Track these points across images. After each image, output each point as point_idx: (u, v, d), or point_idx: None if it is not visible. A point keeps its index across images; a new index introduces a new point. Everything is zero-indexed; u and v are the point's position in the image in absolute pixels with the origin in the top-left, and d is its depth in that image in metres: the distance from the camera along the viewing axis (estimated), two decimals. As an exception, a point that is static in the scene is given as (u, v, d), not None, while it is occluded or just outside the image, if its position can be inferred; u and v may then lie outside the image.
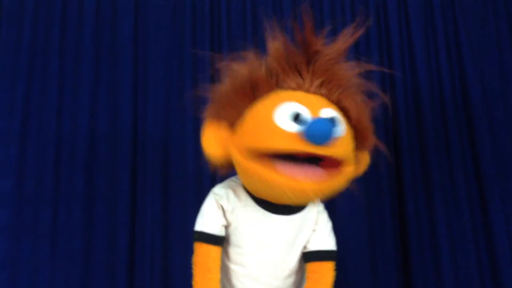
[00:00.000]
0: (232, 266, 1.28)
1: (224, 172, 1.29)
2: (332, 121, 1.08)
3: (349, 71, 1.22)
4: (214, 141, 1.17)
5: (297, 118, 1.06)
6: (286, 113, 1.07)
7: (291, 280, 1.29)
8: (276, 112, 1.08)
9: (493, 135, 2.17)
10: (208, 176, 2.08)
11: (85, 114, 2.15)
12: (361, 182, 2.10)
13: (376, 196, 2.13)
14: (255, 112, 1.13)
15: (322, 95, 1.15)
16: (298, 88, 1.15)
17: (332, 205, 2.10)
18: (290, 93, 1.14)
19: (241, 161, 1.12)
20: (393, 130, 2.20)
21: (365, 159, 1.26)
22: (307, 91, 1.15)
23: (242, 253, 1.26)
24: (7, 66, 2.16)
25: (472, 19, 2.31)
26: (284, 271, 1.26)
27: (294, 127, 1.05)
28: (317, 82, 1.15)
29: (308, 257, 1.27)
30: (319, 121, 1.03)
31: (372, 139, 1.24)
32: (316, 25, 2.38)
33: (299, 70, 1.16)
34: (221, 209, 1.26)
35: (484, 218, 2.10)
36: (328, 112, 1.11)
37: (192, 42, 2.24)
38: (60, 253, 2.02)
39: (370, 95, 1.27)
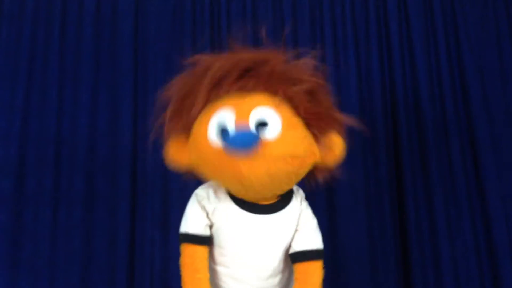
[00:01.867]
0: (215, 267, 1.28)
1: (193, 177, 1.32)
2: (260, 124, 1.11)
3: (277, 59, 1.22)
4: (174, 152, 1.25)
5: (224, 131, 1.12)
6: (215, 128, 1.13)
7: (275, 280, 1.28)
8: (209, 126, 1.15)
9: (493, 135, 2.17)
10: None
11: (85, 114, 2.15)
12: (361, 181, 2.13)
13: (376, 195, 2.13)
14: (196, 128, 1.19)
15: (263, 91, 1.16)
16: (240, 89, 1.17)
17: (332, 205, 2.12)
18: (229, 97, 1.16)
19: (194, 163, 1.21)
20: (393, 130, 2.20)
21: (335, 141, 1.21)
22: (248, 91, 1.16)
23: (223, 253, 1.26)
24: (7, 66, 2.16)
25: (472, 19, 2.31)
26: (266, 271, 1.25)
27: (220, 143, 1.11)
28: (253, 80, 1.17)
29: (294, 257, 1.26)
30: (235, 136, 1.08)
31: (332, 119, 1.22)
32: (316, 25, 2.38)
33: (225, 77, 1.18)
34: (204, 209, 1.26)
35: (484, 218, 2.10)
36: (258, 113, 1.12)
37: (192, 42, 2.24)
38: (60, 253, 2.02)
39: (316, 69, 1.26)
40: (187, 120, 1.21)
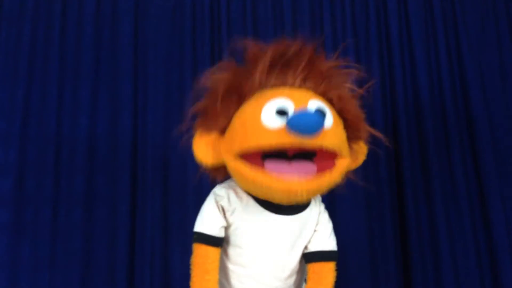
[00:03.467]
0: (232, 267, 1.27)
1: (221, 177, 1.30)
2: (318, 111, 1.09)
3: (330, 62, 1.24)
4: (205, 148, 1.20)
5: (282, 112, 1.07)
6: (271, 110, 1.08)
7: (291, 280, 1.28)
8: (262, 110, 1.09)
9: (493, 135, 2.17)
10: (208, 176, 2.08)
11: (85, 114, 2.15)
12: (361, 181, 2.13)
13: (376, 196, 2.13)
14: (242, 114, 1.15)
15: (308, 88, 1.17)
16: (283, 84, 1.16)
17: (332, 205, 2.12)
18: (275, 90, 1.15)
19: (230, 164, 1.14)
20: (393, 129, 2.20)
21: (362, 150, 1.26)
22: (292, 86, 1.16)
23: (242, 253, 1.25)
24: (7, 66, 2.16)
25: (472, 19, 2.31)
26: (285, 271, 1.26)
27: (279, 122, 1.06)
28: (300, 76, 1.16)
29: (309, 257, 1.27)
30: (302, 112, 1.02)
31: (364, 128, 1.24)
32: (316, 25, 2.39)
33: (281, 67, 1.17)
34: (221, 210, 1.25)
35: (484, 218, 2.10)
36: (315, 103, 1.11)
37: (192, 42, 2.24)
38: (60, 253, 2.02)
39: (359, 84, 1.28)
40: (230, 109, 1.18)
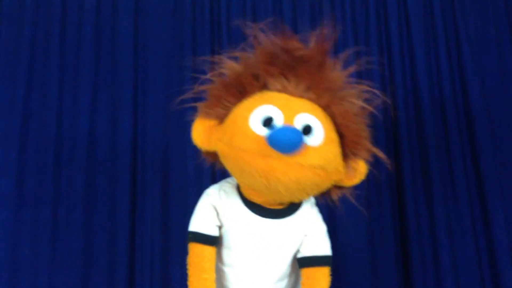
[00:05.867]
0: (224, 268, 1.28)
1: (211, 161, 1.30)
2: (304, 129, 1.08)
3: (338, 73, 1.21)
4: (201, 132, 1.21)
5: (268, 122, 1.09)
6: (259, 116, 1.10)
7: (282, 283, 1.28)
8: (252, 114, 1.11)
9: (493, 135, 2.17)
10: (208, 176, 2.08)
11: (85, 114, 2.15)
12: (361, 182, 2.12)
13: (376, 196, 2.13)
14: (236, 111, 1.16)
15: (310, 99, 1.15)
16: (283, 90, 1.15)
17: (332, 205, 2.12)
18: (273, 95, 1.15)
19: (221, 148, 1.16)
20: (393, 130, 2.20)
21: (360, 169, 1.21)
22: (292, 94, 1.15)
23: (231, 255, 1.26)
24: (7, 66, 2.16)
25: (472, 19, 2.31)
26: (274, 274, 1.25)
27: (263, 131, 1.07)
28: (303, 85, 1.15)
29: (302, 262, 1.26)
30: (284, 129, 1.03)
31: (365, 148, 1.21)
32: (316, 25, 2.38)
33: (285, 72, 1.16)
34: (214, 209, 1.26)
35: (484, 218, 2.10)
36: (304, 118, 1.10)
37: (192, 42, 2.24)
38: (60, 253, 2.03)
39: (368, 99, 1.25)
40: (233, 100, 1.18)
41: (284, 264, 1.26)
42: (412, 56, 2.27)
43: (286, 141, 1.01)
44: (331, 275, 1.25)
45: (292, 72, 1.16)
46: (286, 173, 1.05)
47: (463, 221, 2.09)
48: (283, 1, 2.31)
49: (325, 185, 1.16)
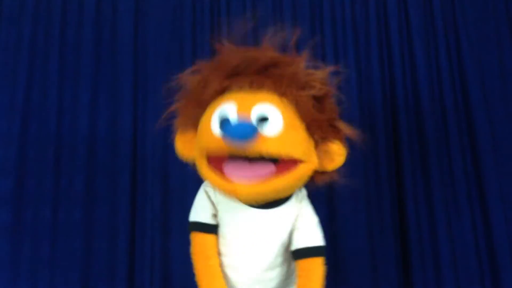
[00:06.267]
0: (219, 257, 1.30)
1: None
2: (261, 119, 1.13)
3: (296, 62, 1.25)
4: (183, 146, 1.31)
5: (224, 121, 1.15)
6: (217, 117, 1.17)
7: (273, 273, 1.29)
8: (212, 117, 1.18)
9: (493, 135, 2.17)
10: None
11: (85, 114, 2.15)
12: (361, 182, 2.13)
13: (376, 196, 2.13)
14: (203, 117, 1.23)
15: (268, 90, 1.19)
16: (240, 88, 1.20)
17: (332, 205, 2.12)
18: (233, 94, 1.20)
19: (196, 163, 1.26)
20: (393, 130, 2.20)
21: (338, 151, 1.24)
22: (251, 88, 1.19)
23: (225, 243, 1.29)
24: (7, 66, 2.17)
25: (472, 19, 2.30)
26: (262, 263, 1.28)
27: (220, 133, 1.14)
28: (258, 79, 1.19)
29: (296, 255, 1.28)
30: (234, 125, 1.11)
31: (331, 129, 1.24)
32: (316, 25, 2.38)
33: (243, 74, 1.21)
34: (210, 200, 1.32)
35: (484, 218, 2.10)
36: (260, 109, 1.15)
37: (192, 42, 2.24)
38: (60, 253, 2.03)
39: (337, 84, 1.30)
40: (198, 111, 1.25)
41: (271, 254, 1.28)
42: (412, 56, 2.27)
43: (238, 136, 1.07)
44: (325, 264, 1.27)
45: (247, 73, 1.21)
46: (252, 194, 1.15)
47: (463, 221, 2.09)
48: (283, 1, 2.30)
49: (299, 183, 1.22)
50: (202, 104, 1.25)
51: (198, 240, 1.28)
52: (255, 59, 1.21)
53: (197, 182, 2.08)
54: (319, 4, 2.31)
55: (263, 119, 1.14)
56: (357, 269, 2.06)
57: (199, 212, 1.32)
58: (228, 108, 1.16)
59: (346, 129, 1.26)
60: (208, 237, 1.28)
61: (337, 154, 1.24)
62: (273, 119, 1.14)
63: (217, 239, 1.30)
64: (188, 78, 1.32)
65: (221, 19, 2.27)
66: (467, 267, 2.05)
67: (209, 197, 1.32)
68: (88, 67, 2.19)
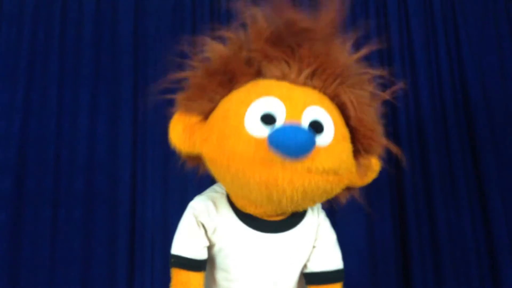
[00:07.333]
0: None
1: (193, 164, 1.12)
2: (313, 126, 0.89)
3: (348, 54, 1.02)
4: (181, 130, 1.02)
5: (269, 120, 0.88)
6: (256, 114, 0.89)
7: None
8: (247, 110, 0.89)
9: (493, 135, 2.17)
10: (208, 175, 2.07)
11: (85, 114, 2.15)
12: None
13: (376, 196, 2.13)
14: (226, 105, 0.95)
15: (314, 87, 0.94)
16: (284, 78, 0.94)
17: (332, 205, 2.12)
18: (271, 83, 0.93)
19: (208, 152, 0.95)
20: (393, 129, 2.20)
21: (373, 166, 1.04)
22: (295, 82, 0.94)
23: (230, 278, 1.06)
24: (7, 66, 2.16)
25: (472, 19, 2.31)
26: None
27: (263, 131, 0.86)
28: (307, 71, 0.93)
29: (310, 279, 1.08)
30: (289, 128, 0.83)
31: (379, 142, 1.03)
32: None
33: (285, 55, 0.94)
34: (201, 227, 1.05)
35: (484, 218, 2.10)
36: (312, 113, 0.90)
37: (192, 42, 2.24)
38: (60, 253, 2.02)
39: (382, 86, 1.09)
40: (219, 90, 0.97)
41: (291, 282, 1.07)
42: (412, 56, 2.27)
43: (294, 145, 0.80)
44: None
45: (293, 55, 0.94)
46: (292, 182, 0.84)
47: (463, 221, 2.09)
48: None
49: (336, 190, 0.95)
50: (230, 81, 0.96)
51: (180, 278, 1.06)
52: (314, 32, 0.95)
53: (197, 182, 2.09)
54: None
55: (315, 125, 0.89)
56: (357, 270, 2.06)
57: (185, 243, 1.06)
58: (274, 106, 0.89)
59: (389, 144, 1.07)
60: (193, 276, 1.03)
61: (372, 170, 1.03)
62: (326, 127, 0.90)
63: (209, 273, 1.08)
64: (214, 46, 1.01)
65: (221, 19, 2.27)
66: (467, 267, 2.05)
67: (200, 223, 1.04)
68: (88, 67, 2.19)
